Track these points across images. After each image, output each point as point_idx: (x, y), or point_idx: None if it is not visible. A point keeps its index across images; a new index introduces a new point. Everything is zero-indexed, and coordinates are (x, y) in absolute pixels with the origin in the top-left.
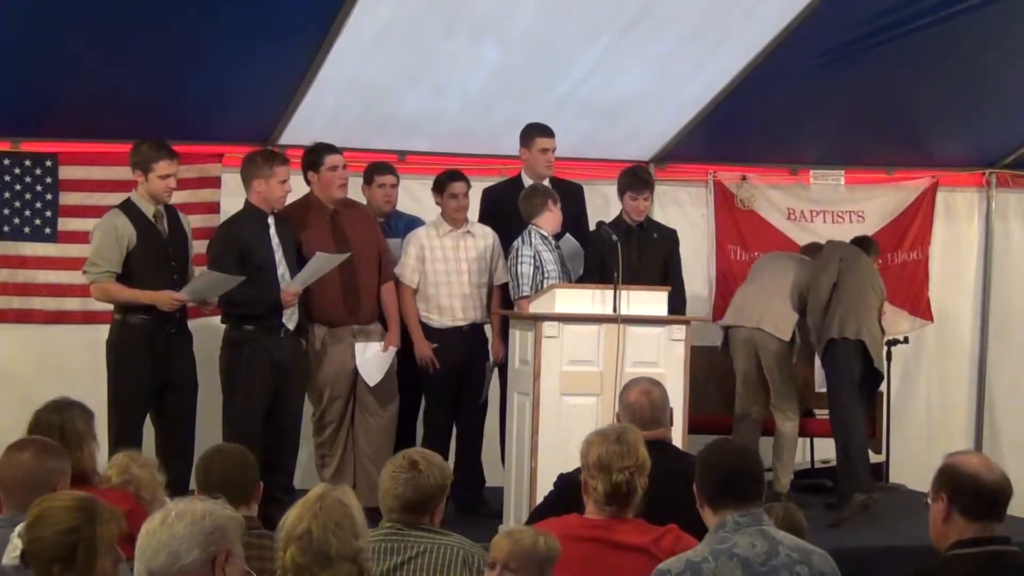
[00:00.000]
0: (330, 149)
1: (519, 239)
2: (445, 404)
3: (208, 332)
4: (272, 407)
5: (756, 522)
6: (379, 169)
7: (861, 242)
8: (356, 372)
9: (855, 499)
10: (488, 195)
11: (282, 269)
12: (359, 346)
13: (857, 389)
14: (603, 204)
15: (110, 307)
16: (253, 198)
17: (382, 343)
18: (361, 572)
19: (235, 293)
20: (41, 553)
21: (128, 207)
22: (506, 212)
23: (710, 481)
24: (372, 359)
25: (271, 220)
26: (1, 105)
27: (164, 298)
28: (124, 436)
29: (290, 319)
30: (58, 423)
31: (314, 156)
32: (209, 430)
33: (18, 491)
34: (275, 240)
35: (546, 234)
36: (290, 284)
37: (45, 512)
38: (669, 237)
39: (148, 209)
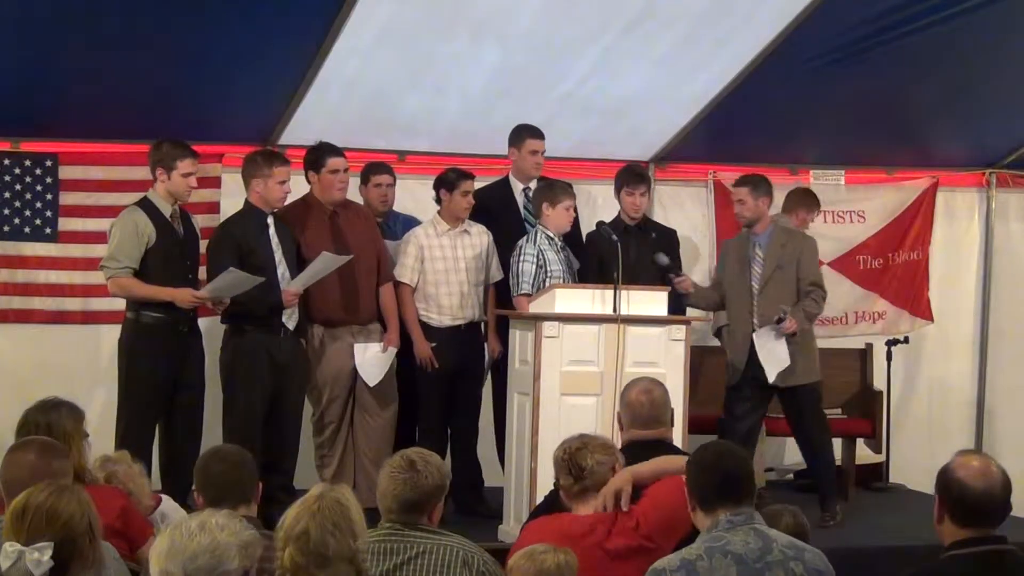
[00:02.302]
0: (333, 151)
1: (525, 237)
2: (441, 403)
3: (208, 332)
4: (272, 407)
5: (749, 520)
6: (375, 169)
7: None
8: (355, 372)
9: (822, 517)
10: (478, 195)
11: (282, 269)
12: (359, 347)
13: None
14: (604, 204)
15: (110, 307)
16: (252, 198)
17: (382, 343)
18: (359, 572)
19: (238, 300)
20: (75, 534)
21: (146, 205)
22: (494, 212)
23: (703, 483)
24: (372, 359)
25: (270, 220)
26: (1, 105)
27: (185, 295)
28: (133, 435)
29: (290, 319)
30: (45, 423)
31: (316, 156)
32: (212, 430)
33: (22, 492)
34: (274, 240)
35: (551, 235)
36: (291, 284)
37: (52, 496)
38: (669, 236)
39: (166, 208)
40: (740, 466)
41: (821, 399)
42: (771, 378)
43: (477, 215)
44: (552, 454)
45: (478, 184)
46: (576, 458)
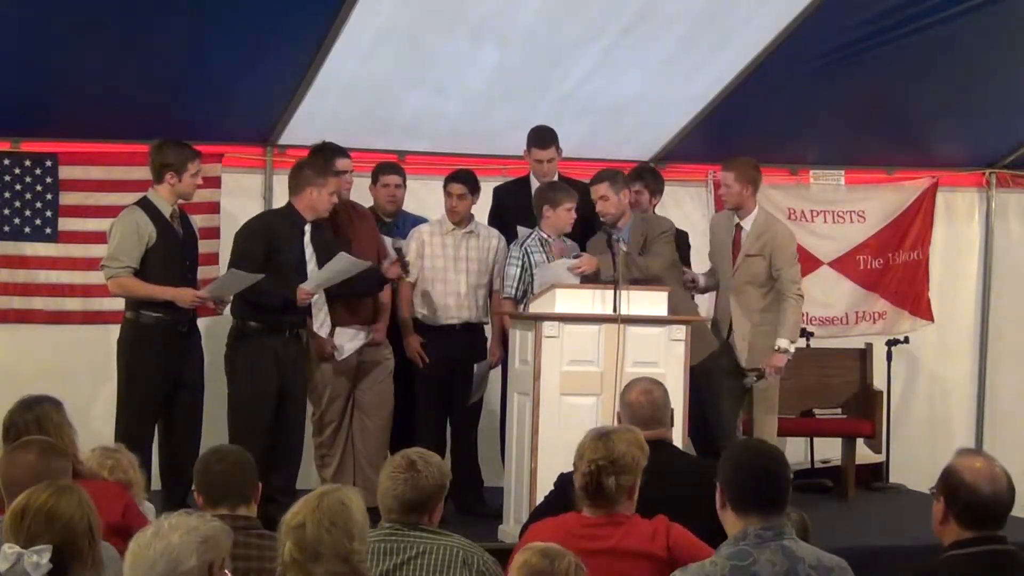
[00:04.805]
0: (340, 152)
1: (515, 241)
2: (437, 403)
3: (208, 332)
4: (277, 406)
5: (778, 536)
6: (384, 169)
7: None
8: (355, 372)
9: None
10: (496, 194)
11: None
12: (339, 330)
13: None
14: None
15: (110, 307)
16: (299, 204)
17: (364, 331)
18: (355, 572)
19: (252, 291)
20: (74, 534)
21: (146, 205)
22: (513, 211)
23: (739, 484)
24: (348, 336)
25: (308, 228)
26: (1, 105)
27: (187, 295)
28: (132, 435)
29: (323, 326)
30: (34, 419)
31: (324, 157)
32: (212, 430)
33: (22, 492)
34: (308, 249)
35: (546, 236)
36: (306, 283)
37: (52, 497)
38: (680, 236)
39: (165, 208)
40: (780, 473)
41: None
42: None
43: (496, 212)
44: (579, 447)
45: (489, 184)
46: (602, 481)
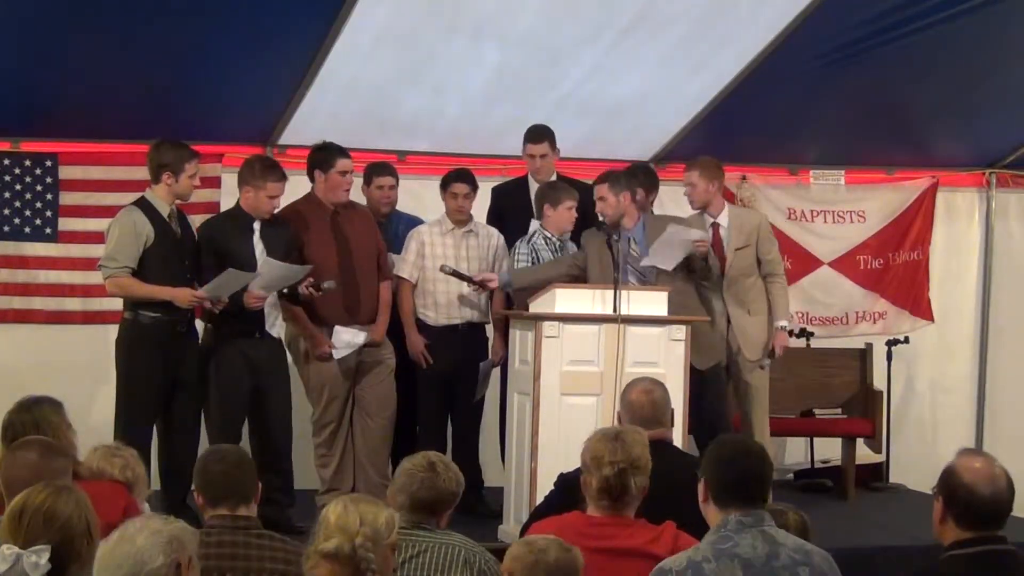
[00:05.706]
0: (341, 152)
1: (521, 238)
2: (440, 403)
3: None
4: (256, 408)
5: (759, 522)
6: (377, 170)
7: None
8: (355, 372)
9: None
10: (495, 193)
11: None
12: (338, 328)
13: None
14: None
15: (110, 307)
16: (242, 201)
17: (364, 331)
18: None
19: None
20: (72, 534)
21: (144, 205)
22: (510, 211)
23: (720, 479)
24: (344, 336)
25: (256, 225)
26: (1, 105)
27: (185, 295)
28: (132, 435)
29: (273, 326)
30: (32, 421)
31: (324, 156)
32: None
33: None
34: (259, 246)
35: (549, 235)
36: (251, 286)
37: (51, 497)
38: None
39: (163, 209)
40: (760, 468)
41: (722, 382)
42: (649, 261)
43: (494, 212)
44: (589, 448)
45: (482, 184)
46: (623, 482)
